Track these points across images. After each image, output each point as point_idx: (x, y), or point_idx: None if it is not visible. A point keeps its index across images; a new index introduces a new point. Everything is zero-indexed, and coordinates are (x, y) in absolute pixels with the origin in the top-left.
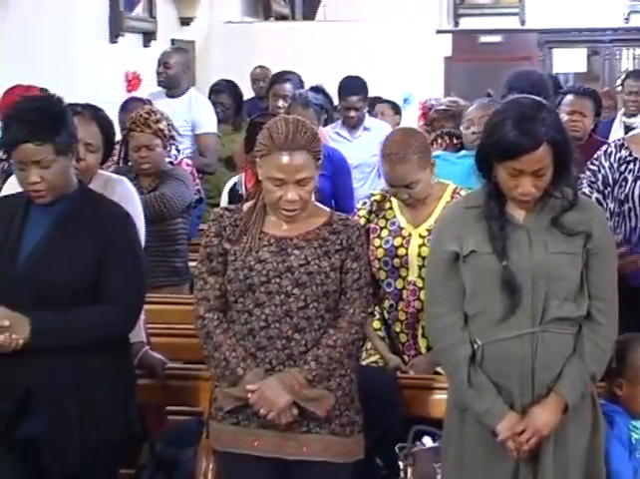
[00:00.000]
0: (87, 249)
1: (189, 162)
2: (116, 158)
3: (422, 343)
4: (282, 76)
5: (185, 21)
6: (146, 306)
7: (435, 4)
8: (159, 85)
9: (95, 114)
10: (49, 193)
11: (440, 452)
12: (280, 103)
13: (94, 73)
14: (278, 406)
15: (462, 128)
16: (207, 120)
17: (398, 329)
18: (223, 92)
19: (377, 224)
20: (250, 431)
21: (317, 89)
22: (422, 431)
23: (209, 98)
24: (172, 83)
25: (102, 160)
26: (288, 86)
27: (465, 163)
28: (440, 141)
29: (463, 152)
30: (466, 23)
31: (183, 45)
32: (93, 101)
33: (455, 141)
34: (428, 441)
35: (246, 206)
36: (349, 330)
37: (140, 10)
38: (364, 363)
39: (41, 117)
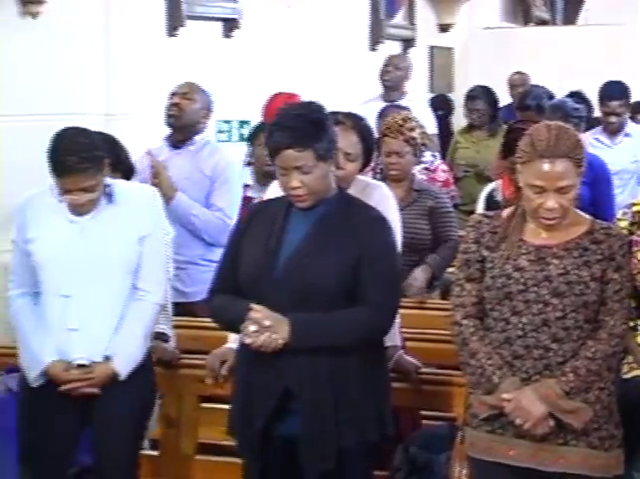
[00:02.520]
0: (344, 252)
1: (445, 167)
2: (373, 163)
3: None
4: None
5: (444, 27)
6: (400, 311)
7: None
8: (384, 83)
9: (356, 123)
10: (309, 197)
11: None
12: None
13: (354, 80)
14: (534, 416)
15: None
16: (428, 123)
17: None
18: (479, 98)
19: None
20: (505, 440)
21: (576, 95)
22: None
23: (465, 105)
24: (396, 85)
25: (360, 168)
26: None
27: None
28: None
29: None
30: None
31: (442, 51)
32: (352, 108)
33: None
34: None
35: (505, 212)
36: (609, 342)
37: (400, 17)
38: (627, 377)
39: (302, 123)
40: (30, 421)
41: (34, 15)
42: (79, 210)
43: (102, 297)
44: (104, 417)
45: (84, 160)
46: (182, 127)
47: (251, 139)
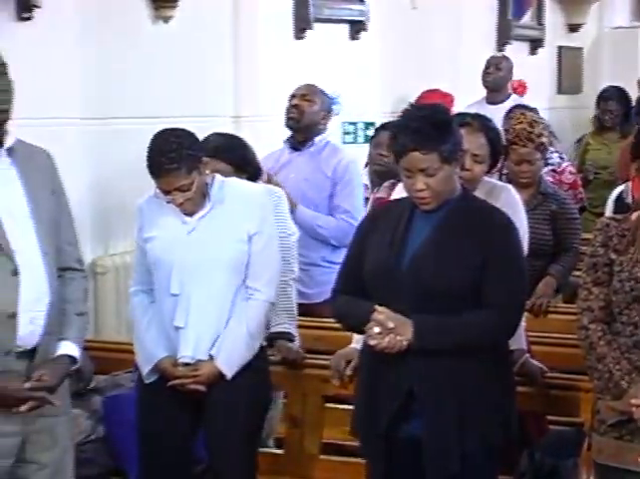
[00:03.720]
0: (468, 254)
1: (573, 169)
2: (499, 164)
3: None
4: None
5: (573, 27)
6: (525, 314)
7: None
8: (485, 84)
9: (483, 125)
10: (433, 200)
11: None
12: None
13: (479, 81)
14: None
15: None
16: None
17: None
18: (611, 99)
19: None
20: (634, 446)
21: None
22: None
23: (597, 105)
24: (498, 86)
25: (487, 169)
26: None
27: None
28: None
29: None
30: None
31: (570, 51)
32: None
33: None
34: None
35: (634, 215)
36: None
37: (527, 18)
38: None
39: (427, 126)
40: (145, 418)
41: (166, 19)
42: (182, 209)
43: (210, 296)
44: (215, 418)
45: (172, 160)
46: (302, 128)
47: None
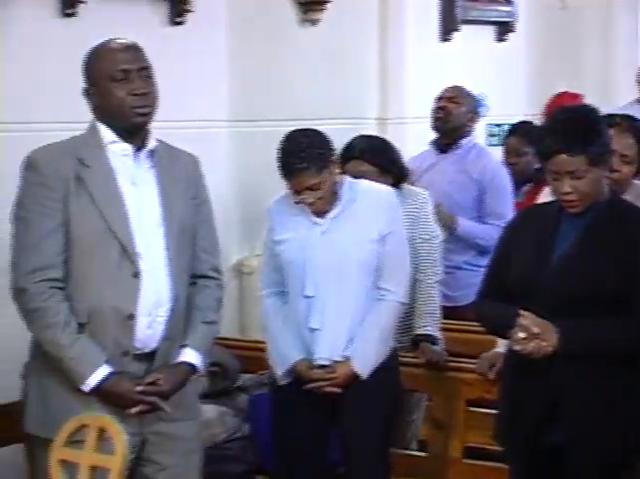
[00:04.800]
0: (615, 258)
1: None
2: None
3: None
4: None
5: None
6: None
7: None
8: None
9: (631, 125)
10: (581, 203)
11: None
12: None
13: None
14: None
15: None
16: None
17: None
18: None
19: None
20: None
21: None
22: None
23: None
24: None
25: (636, 171)
26: None
27: None
28: None
29: None
30: None
31: None
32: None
33: None
34: None
35: None
36: None
37: None
38: None
39: (574, 128)
40: (280, 419)
41: (313, 22)
42: (312, 209)
43: (343, 298)
44: (349, 418)
45: (302, 159)
46: (449, 130)
47: None
